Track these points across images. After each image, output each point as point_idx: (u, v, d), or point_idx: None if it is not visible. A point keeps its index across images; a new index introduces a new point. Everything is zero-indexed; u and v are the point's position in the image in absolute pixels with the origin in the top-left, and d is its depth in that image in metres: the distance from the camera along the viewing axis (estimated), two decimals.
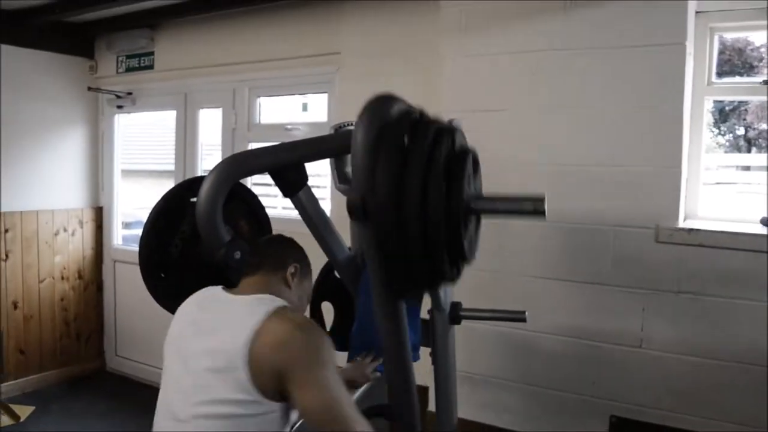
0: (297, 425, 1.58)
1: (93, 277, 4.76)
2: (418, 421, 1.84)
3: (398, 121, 1.41)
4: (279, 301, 1.53)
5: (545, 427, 2.65)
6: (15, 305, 4.26)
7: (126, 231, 4.89)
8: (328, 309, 2.25)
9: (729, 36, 2.59)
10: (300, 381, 1.37)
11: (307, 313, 1.92)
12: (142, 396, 4.23)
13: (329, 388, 1.37)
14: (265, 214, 2.14)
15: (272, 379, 1.38)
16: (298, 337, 1.42)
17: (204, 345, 1.47)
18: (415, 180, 1.34)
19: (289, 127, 3.70)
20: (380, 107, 1.43)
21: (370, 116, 1.41)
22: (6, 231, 4.18)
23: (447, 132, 1.44)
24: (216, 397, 1.39)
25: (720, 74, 2.54)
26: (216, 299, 1.59)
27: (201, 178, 1.84)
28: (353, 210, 1.36)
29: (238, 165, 1.86)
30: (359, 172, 1.39)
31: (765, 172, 2.50)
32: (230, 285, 1.67)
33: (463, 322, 2.11)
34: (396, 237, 1.35)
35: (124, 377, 4.71)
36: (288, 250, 1.71)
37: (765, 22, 2.36)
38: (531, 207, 1.50)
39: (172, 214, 1.94)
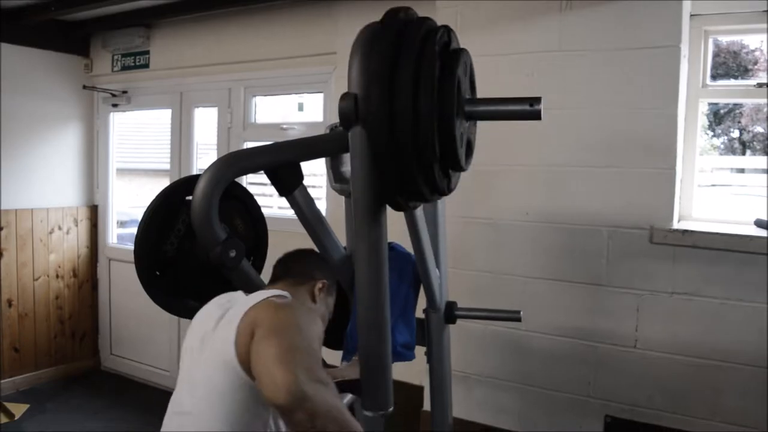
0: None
1: (88, 275, 4.75)
2: (390, 399, 1.65)
3: (387, 25, 1.39)
4: (283, 294, 1.49)
5: (540, 426, 2.66)
6: (9, 303, 4.25)
7: (121, 229, 4.88)
8: None
9: (724, 39, 2.61)
10: (255, 343, 1.27)
11: None
12: (137, 395, 4.24)
13: (283, 347, 1.22)
14: (261, 213, 2.13)
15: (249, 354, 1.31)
16: (274, 312, 1.34)
17: (213, 339, 1.45)
18: (406, 78, 1.31)
19: (284, 126, 3.70)
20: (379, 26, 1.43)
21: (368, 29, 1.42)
22: (0, 229, 4.17)
23: (439, 30, 1.41)
24: (219, 388, 1.38)
25: (715, 77, 2.56)
26: (232, 301, 1.57)
27: (197, 177, 1.83)
28: (345, 112, 1.34)
29: (234, 163, 1.85)
30: (353, 72, 1.37)
31: (760, 175, 2.52)
32: (227, 284, 1.67)
33: (459, 322, 2.12)
34: (387, 140, 1.32)
35: (119, 376, 4.70)
36: (318, 265, 1.70)
37: (760, 26, 2.38)
38: (528, 107, 1.45)
39: (168, 212, 1.93)
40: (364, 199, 1.47)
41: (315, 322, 1.49)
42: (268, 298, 1.43)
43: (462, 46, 1.54)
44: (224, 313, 1.50)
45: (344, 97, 1.36)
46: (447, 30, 1.47)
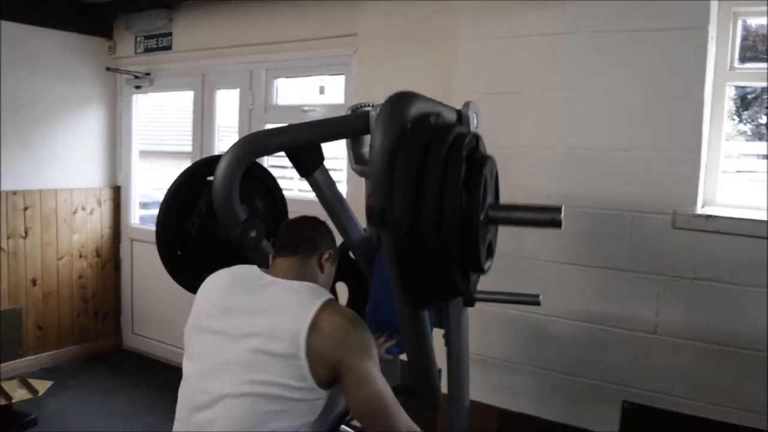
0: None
1: (110, 255, 4.81)
2: (439, 400, 1.94)
3: (415, 131, 1.39)
4: (325, 292, 1.58)
5: (557, 411, 2.66)
6: (34, 282, 4.32)
7: (143, 211, 4.93)
8: (342, 289, 2.26)
9: (753, 21, 2.55)
10: (352, 375, 1.45)
11: None
12: (158, 373, 4.30)
13: (377, 384, 1.45)
14: (281, 194, 2.15)
15: (327, 369, 1.46)
16: (353, 331, 1.50)
17: (254, 325, 1.49)
18: (433, 192, 1.34)
19: (305, 108, 3.70)
20: (398, 111, 1.40)
21: (387, 120, 1.39)
22: (26, 209, 4.24)
23: (465, 140, 1.44)
24: (270, 378, 1.44)
25: (743, 60, 2.50)
26: (257, 279, 1.61)
27: (218, 157, 1.85)
28: (373, 218, 1.37)
29: (255, 144, 1.87)
30: (377, 179, 1.38)
31: None
32: (246, 263, 1.69)
33: (477, 305, 2.11)
34: (412, 247, 1.36)
35: (140, 355, 4.78)
36: (322, 233, 1.74)
37: None
38: (548, 218, 1.53)
39: (189, 192, 1.96)
40: (401, 301, 1.58)
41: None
42: (331, 303, 1.54)
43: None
44: (260, 296, 1.55)
45: (372, 206, 1.39)
46: (475, 137, 1.51)
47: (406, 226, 1.34)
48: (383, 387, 1.46)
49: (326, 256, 1.70)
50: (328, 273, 1.74)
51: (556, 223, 1.51)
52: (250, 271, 1.65)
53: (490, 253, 1.59)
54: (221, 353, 1.50)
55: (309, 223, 1.76)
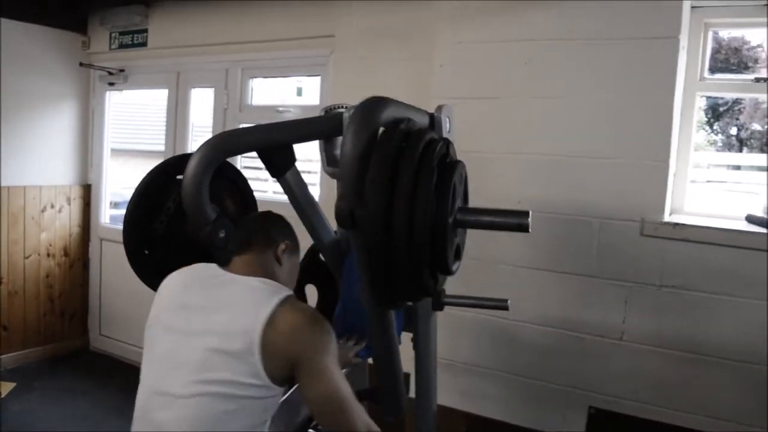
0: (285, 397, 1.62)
1: (79, 254, 4.73)
2: (403, 406, 1.94)
3: (388, 135, 1.41)
4: (284, 289, 1.56)
5: (525, 416, 2.67)
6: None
7: (114, 210, 4.86)
8: (312, 292, 2.25)
9: (725, 34, 2.59)
10: (309, 370, 1.44)
11: None
12: (125, 375, 4.23)
13: (334, 379, 1.44)
14: (252, 194, 2.13)
15: (282, 367, 1.44)
16: (310, 327, 1.48)
17: (209, 323, 1.48)
18: (404, 195, 1.35)
19: (280, 109, 3.68)
20: (370, 114, 1.41)
21: (359, 124, 1.39)
22: None
23: (436, 145, 1.46)
24: (223, 377, 1.42)
25: (714, 72, 2.54)
26: (214, 277, 1.60)
27: (188, 156, 1.83)
28: (341, 219, 1.37)
29: (226, 143, 1.84)
30: (348, 181, 1.38)
31: (755, 172, 2.51)
32: (216, 263, 1.67)
33: (446, 309, 2.11)
34: (382, 249, 1.37)
35: (107, 356, 4.70)
36: (277, 226, 1.73)
37: (760, 19, 2.36)
38: (516, 222, 1.54)
39: (158, 190, 1.93)
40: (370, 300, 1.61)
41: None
42: (290, 301, 1.51)
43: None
44: (217, 294, 1.53)
45: (340, 207, 1.37)
46: (445, 143, 1.53)
47: (378, 227, 1.35)
48: (341, 383, 1.45)
49: (282, 247, 1.68)
50: (289, 266, 1.72)
51: (524, 228, 1.52)
52: (209, 268, 1.63)
53: (458, 256, 1.60)
54: (177, 352, 1.49)
55: (263, 217, 1.76)
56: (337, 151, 2.08)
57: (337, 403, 1.43)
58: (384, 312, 1.71)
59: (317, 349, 1.46)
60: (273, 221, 1.74)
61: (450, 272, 1.55)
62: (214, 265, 1.64)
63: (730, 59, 2.65)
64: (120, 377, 4.22)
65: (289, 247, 1.71)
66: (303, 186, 1.97)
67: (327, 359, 1.46)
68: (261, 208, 2.14)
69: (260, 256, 1.64)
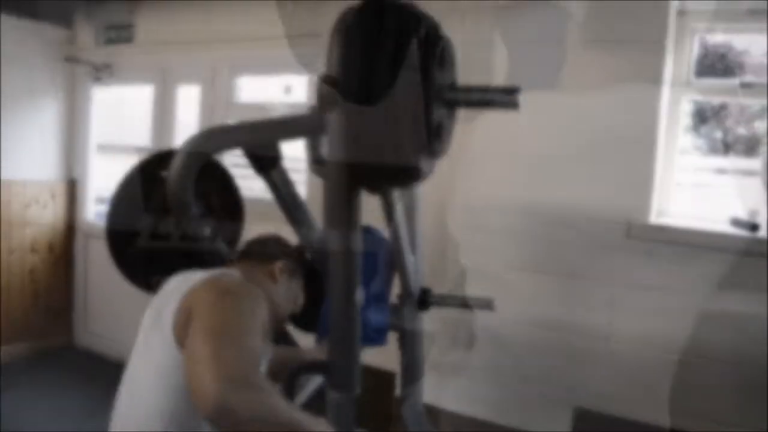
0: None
1: (64, 251, 4.69)
2: (355, 383, 1.66)
3: (372, 2, 1.41)
4: (231, 273, 1.50)
5: (510, 416, 2.67)
6: None
7: (100, 207, 4.81)
8: None
9: (711, 39, 2.60)
10: (195, 323, 1.26)
11: None
12: (110, 372, 4.16)
13: (216, 337, 1.20)
14: (238, 191, 2.11)
15: (186, 328, 1.29)
16: (214, 294, 1.33)
17: (151, 316, 1.48)
18: (386, 61, 1.33)
19: (268, 107, 3.66)
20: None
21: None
22: None
23: (419, 17, 1.42)
24: (162, 362, 1.38)
25: (700, 76, 2.55)
26: (185, 277, 1.57)
27: (173, 152, 1.81)
28: (324, 93, 1.39)
29: (211, 139, 1.83)
30: (334, 53, 1.40)
31: (741, 177, 2.53)
32: (200, 262, 1.65)
33: (432, 309, 2.11)
34: (365, 124, 1.35)
35: (92, 353, 4.66)
36: (279, 247, 1.71)
37: (746, 25, 2.38)
38: (505, 98, 1.48)
39: (142, 187, 1.91)
40: (339, 180, 1.48)
41: (260, 306, 1.38)
42: (213, 276, 1.44)
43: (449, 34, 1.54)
44: (178, 289, 1.49)
45: (324, 78, 1.37)
46: (425, 19, 1.47)
47: (360, 101, 1.34)
48: (220, 343, 1.18)
49: (279, 265, 1.63)
50: (286, 287, 1.65)
51: (513, 104, 1.46)
52: (189, 273, 1.57)
53: (438, 136, 1.50)
54: (136, 348, 1.50)
55: (269, 235, 1.75)
56: (322, 149, 2.07)
57: (201, 356, 1.15)
58: (350, 258, 1.55)
59: (209, 307, 1.28)
60: (276, 240, 1.73)
61: (436, 152, 1.48)
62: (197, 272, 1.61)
63: (716, 65, 2.66)
64: (105, 374, 4.14)
65: (289, 270, 1.67)
66: (289, 184, 1.96)
67: (214, 317, 1.25)
68: (250, 206, 2.13)
69: (252, 268, 1.60)
